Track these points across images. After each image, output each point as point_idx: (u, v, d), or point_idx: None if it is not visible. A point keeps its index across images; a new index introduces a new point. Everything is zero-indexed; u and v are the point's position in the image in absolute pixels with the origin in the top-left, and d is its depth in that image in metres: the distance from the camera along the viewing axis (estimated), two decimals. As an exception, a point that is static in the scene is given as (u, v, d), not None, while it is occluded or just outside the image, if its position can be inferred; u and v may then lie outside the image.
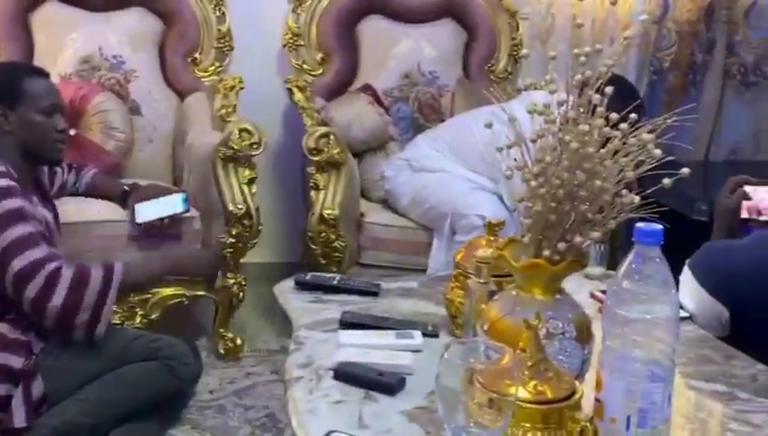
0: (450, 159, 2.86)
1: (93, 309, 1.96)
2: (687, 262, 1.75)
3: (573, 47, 3.37)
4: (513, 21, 3.46)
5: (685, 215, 2.84)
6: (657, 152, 1.20)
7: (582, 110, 1.24)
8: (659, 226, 1.08)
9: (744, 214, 1.93)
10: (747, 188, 1.91)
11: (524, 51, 3.38)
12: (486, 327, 1.30)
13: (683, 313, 1.74)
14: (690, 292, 1.73)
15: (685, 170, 1.18)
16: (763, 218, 1.90)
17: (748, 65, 3.70)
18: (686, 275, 1.73)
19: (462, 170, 2.83)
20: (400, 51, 3.35)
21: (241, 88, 3.13)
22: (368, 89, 3.20)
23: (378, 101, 3.20)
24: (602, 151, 1.23)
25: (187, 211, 2.64)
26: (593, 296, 1.87)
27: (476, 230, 2.54)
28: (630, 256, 1.10)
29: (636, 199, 1.22)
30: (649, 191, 1.23)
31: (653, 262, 1.08)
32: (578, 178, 1.22)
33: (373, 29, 3.36)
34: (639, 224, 1.10)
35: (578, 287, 1.93)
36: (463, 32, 3.44)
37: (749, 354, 1.60)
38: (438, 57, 3.37)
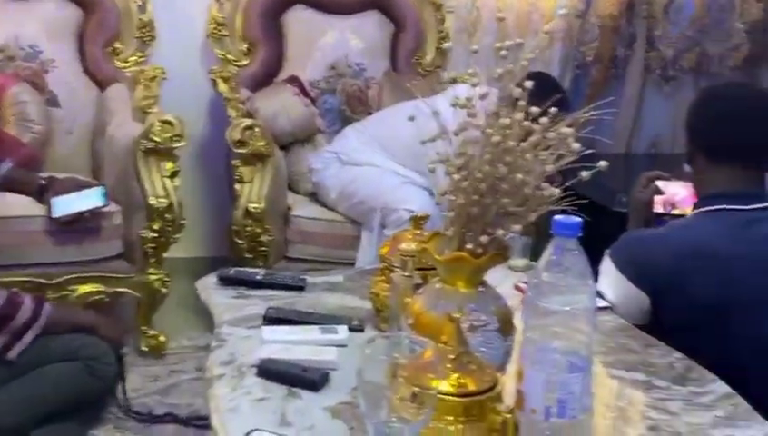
0: (379, 153, 2.86)
1: (14, 335, 1.96)
2: (607, 252, 1.78)
3: (498, 41, 3.40)
4: (439, 14, 3.46)
5: (606, 207, 2.90)
6: (576, 145, 1.21)
7: (504, 104, 1.25)
8: (577, 218, 1.09)
9: (658, 209, 1.98)
10: (659, 183, 1.96)
11: (447, 44, 3.39)
12: (410, 321, 1.30)
13: (602, 303, 1.78)
14: (611, 281, 1.76)
15: (603, 163, 1.20)
16: (676, 211, 1.95)
17: (667, 60, 3.78)
18: (607, 265, 1.76)
19: (391, 164, 2.83)
20: (326, 42, 3.32)
21: (164, 79, 3.07)
22: (294, 80, 3.17)
23: (304, 92, 3.17)
24: (523, 144, 1.24)
25: (106, 205, 2.57)
26: (517, 288, 1.89)
27: (405, 224, 2.54)
28: (549, 248, 1.11)
29: (556, 192, 1.23)
30: (569, 183, 1.24)
31: (571, 254, 1.09)
32: (500, 171, 1.22)
33: (299, 20, 3.32)
34: (557, 217, 1.10)
35: (503, 279, 1.94)
36: (390, 24, 3.43)
37: (666, 342, 1.64)
38: (364, 49, 3.36)
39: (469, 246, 1.25)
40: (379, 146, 2.87)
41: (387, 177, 2.80)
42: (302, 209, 2.88)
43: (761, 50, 3.86)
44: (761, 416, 1.37)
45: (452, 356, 1.13)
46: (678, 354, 1.58)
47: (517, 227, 1.22)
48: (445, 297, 1.27)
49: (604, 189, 2.93)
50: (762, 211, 1.67)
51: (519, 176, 1.21)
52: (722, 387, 1.46)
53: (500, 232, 1.23)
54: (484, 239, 1.24)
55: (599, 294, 1.79)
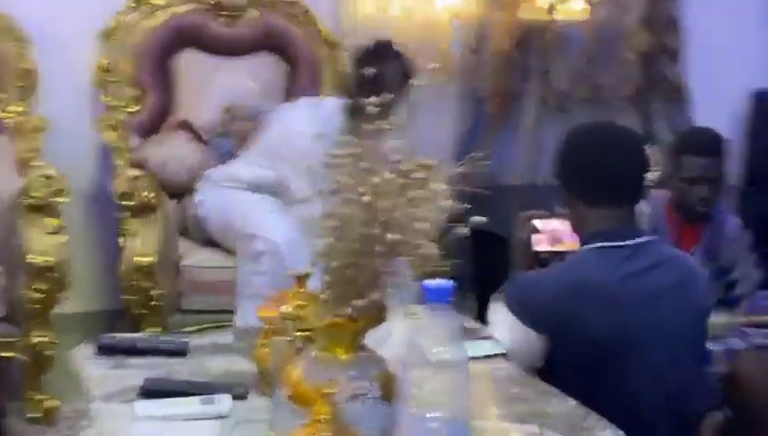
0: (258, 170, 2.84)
1: None
2: (494, 296, 1.78)
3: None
4: (335, 52, 3.43)
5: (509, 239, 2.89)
6: (448, 203, 1.18)
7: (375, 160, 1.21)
8: (448, 283, 1.05)
9: (545, 246, 1.98)
10: (536, 222, 1.97)
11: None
12: (289, 391, 1.23)
13: (495, 350, 1.75)
14: (505, 325, 1.75)
15: (478, 218, 1.17)
16: (561, 248, 1.95)
17: (562, 92, 3.83)
18: (499, 309, 1.75)
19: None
20: (219, 85, 3.24)
21: (47, 130, 2.93)
22: (184, 125, 3.08)
23: (197, 137, 3.08)
24: (397, 202, 1.20)
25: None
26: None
27: (260, 257, 2.53)
28: (419, 314, 1.06)
29: (434, 251, 1.19)
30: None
31: (444, 318, 1.05)
32: (374, 232, 1.17)
33: (189, 63, 3.24)
34: (427, 283, 1.06)
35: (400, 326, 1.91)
36: (284, 64, 3.38)
37: (563, 380, 1.62)
38: (259, 90, 3.29)
39: (346, 311, 1.20)
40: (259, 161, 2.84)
41: (257, 204, 2.75)
42: (193, 257, 2.79)
43: (651, 79, 3.94)
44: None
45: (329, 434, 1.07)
46: (573, 402, 1.56)
47: (388, 291, 1.17)
48: (324, 365, 1.21)
49: (507, 221, 2.93)
50: (636, 246, 1.71)
51: (390, 236, 1.16)
52: (617, 434, 1.44)
53: (376, 295, 1.19)
54: (360, 303, 1.19)
55: (492, 340, 1.78)
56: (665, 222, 2.88)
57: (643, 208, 2.87)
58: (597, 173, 1.73)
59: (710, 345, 2.65)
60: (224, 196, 2.78)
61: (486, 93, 3.66)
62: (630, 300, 1.66)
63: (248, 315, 2.39)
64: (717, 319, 2.86)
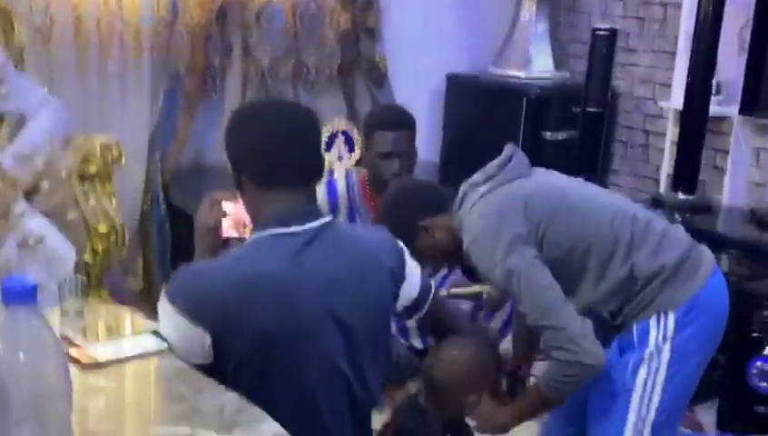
0: None
1: None
2: (164, 289, 1.63)
3: (78, 48, 3.10)
4: (8, 20, 3.09)
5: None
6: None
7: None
8: (31, 281, 0.91)
9: (230, 232, 1.86)
10: (226, 205, 1.83)
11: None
12: None
13: (160, 346, 1.63)
14: (169, 321, 1.61)
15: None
16: (243, 235, 1.84)
17: (265, 69, 3.75)
18: (164, 304, 1.60)
19: None
20: None
21: None
22: None
23: None
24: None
25: None
26: (64, 338, 1.66)
27: None
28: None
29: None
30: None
31: (29, 323, 0.90)
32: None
33: None
34: (6, 281, 0.91)
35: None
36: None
37: (233, 379, 1.53)
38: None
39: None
40: None
41: None
42: None
43: (353, 59, 3.98)
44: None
45: None
46: (232, 395, 1.47)
47: None
48: None
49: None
50: (314, 230, 1.62)
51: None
52: (270, 428, 1.37)
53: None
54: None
55: (160, 335, 1.65)
56: (364, 200, 2.91)
57: (320, 195, 2.89)
58: (266, 152, 1.62)
59: (408, 322, 2.73)
60: None
61: (182, 69, 3.48)
62: (303, 289, 1.57)
63: None
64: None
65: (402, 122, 2.81)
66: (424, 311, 1.81)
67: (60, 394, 0.92)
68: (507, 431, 2.05)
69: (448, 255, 2.09)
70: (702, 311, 1.96)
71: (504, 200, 1.97)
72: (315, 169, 1.69)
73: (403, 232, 1.89)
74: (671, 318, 1.94)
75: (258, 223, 1.65)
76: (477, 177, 2.03)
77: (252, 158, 1.64)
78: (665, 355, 1.93)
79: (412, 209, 2.07)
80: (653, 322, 1.94)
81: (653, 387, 1.94)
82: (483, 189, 2.00)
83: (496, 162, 2.05)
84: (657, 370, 1.94)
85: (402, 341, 2.87)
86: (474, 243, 1.94)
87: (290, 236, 1.60)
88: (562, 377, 1.90)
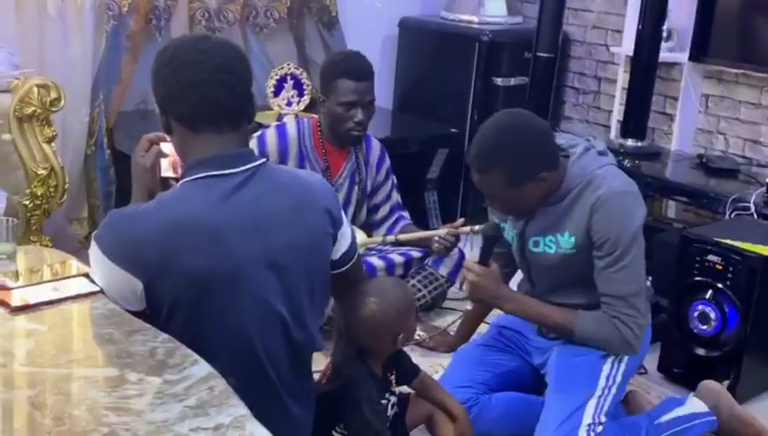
0: None
1: None
2: (93, 234, 1.59)
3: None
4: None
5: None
6: None
7: None
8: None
9: (168, 172, 1.81)
10: (163, 145, 1.78)
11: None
12: None
13: (91, 288, 1.59)
14: (99, 267, 1.58)
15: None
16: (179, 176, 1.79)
17: (212, 10, 3.66)
18: (94, 249, 1.57)
19: None
20: None
21: None
22: None
23: None
24: None
25: None
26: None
27: None
28: None
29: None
30: None
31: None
32: None
33: None
34: None
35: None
36: None
37: (168, 323, 1.51)
38: None
39: None
40: None
41: None
42: None
43: (303, 1, 3.90)
44: (238, 397, 1.29)
45: None
46: (164, 337, 1.45)
47: None
48: None
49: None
50: (246, 172, 1.58)
51: None
52: (201, 369, 1.35)
53: None
54: None
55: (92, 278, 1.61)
56: (315, 147, 2.87)
57: (270, 140, 2.84)
58: (191, 94, 1.56)
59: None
60: None
61: (125, 8, 3.37)
62: (236, 231, 1.54)
63: None
64: (357, 239, 2.94)
65: (366, 71, 2.78)
66: (346, 268, 1.78)
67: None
68: (490, 301, 2.22)
69: (536, 204, 2.10)
70: (645, 341, 2.18)
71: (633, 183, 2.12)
72: (244, 111, 1.63)
73: (520, 178, 1.99)
74: None
75: (188, 167, 1.61)
76: (597, 143, 2.16)
77: (177, 101, 1.58)
78: (625, 362, 2.14)
79: (540, 161, 2.03)
80: None
81: (613, 381, 2.10)
82: (606, 160, 2.12)
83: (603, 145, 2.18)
84: (619, 365, 2.13)
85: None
86: (617, 197, 2.04)
87: (220, 179, 1.56)
88: (606, 340, 2.09)
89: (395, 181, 3.09)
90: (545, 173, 2.02)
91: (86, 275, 1.65)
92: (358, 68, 2.77)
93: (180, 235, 1.51)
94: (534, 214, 2.14)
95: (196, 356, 1.39)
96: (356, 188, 2.98)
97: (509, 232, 2.24)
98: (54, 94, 2.70)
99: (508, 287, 2.26)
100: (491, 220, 2.30)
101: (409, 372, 2.03)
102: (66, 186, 2.79)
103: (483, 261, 2.19)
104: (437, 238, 2.87)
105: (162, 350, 1.41)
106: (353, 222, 3.01)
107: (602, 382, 2.09)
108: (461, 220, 2.90)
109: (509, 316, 2.26)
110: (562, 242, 2.12)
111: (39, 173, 2.70)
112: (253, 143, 2.77)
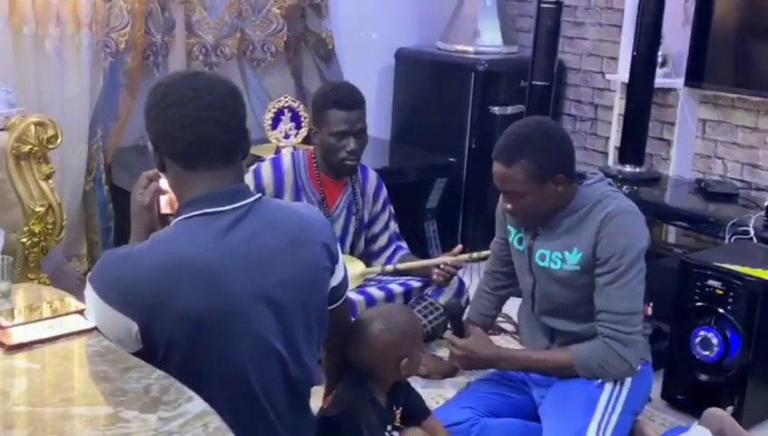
0: None
1: None
2: (88, 275, 1.57)
3: (14, 26, 3.00)
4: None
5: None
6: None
7: None
8: None
9: (165, 210, 1.80)
10: (162, 182, 1.77)
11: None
12: None
13: (86, 326, 1.58)
14: (94, 309, 1.56)
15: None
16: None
17: (209, 45, 3.69)
18: (89, 291, 1.55)
19: None
20: None
21: None
22: None
23: None
24: None
25: None
26: (-8, 325, 1.61)
27: None
28: None
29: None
30: None
31: None
32: None
33: None
34: None
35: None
36: None
37: (166, 364, 1.49)
38: None
39: None
40: None
41: None
42: None
43: (299, 35, 3.93)
44: (233, 433, 1.28)
45: None
46: (159, 374, 1.44)
47: None
48: None
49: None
50: (241, 209, 1.57)
51: None
52: (195, 406, 1.34)
53: None
54: None
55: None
56: (310, 178, 2.87)
57: (266, 173, 2.85)
58: (184, 133, 1.55)
59: (351, 295, 2.71)
60: None
61: (122, 45, 3.40)
62: (230, 269, 1.51)
63: None
64: (355, 270, 2.94)
65: (356, 100, 2.80)
66: (336, 305, 1.76)
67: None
68: (485, 366, 2.29)
69: (548, 212, 2.17)
70: (647, 377, 2.23)
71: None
72: (238, 146, 1.61)
73: (543, 174, 2.07)
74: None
75: (182, 205, 1.59)
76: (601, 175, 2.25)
77: (170, 139, 1.57)
78: (627, 386, 2.15)
79: (563, 162, 2.14)
80: None
81: (613, 409, 2.11)
82: (611, 189, 2.20)
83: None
84: (618, 395, 2.13)
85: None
86: (626, 215, 2.12)
87: (214, 216, 1.54)
88: (603, 361, 2.10)
89: (392, 210, 3.09)
90: (564, 176, 2.11)
91: (81, 312, 1.64)
92: (348, 98, 2.78)
93: (174, 275, 1.49)
94: (541, 226, 2.20)
95: (191, 393, 1.38)
96: (353, 219, 2.98)
97: (517, 239, 2.29)
98: (51, 132, 2.71)
99: (497, 346, 2.32)
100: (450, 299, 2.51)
101: (419, 412, 2.01)
102: (64, 223, 2.78)
103: (459, 333, 2.24)
104: (436, 268, 2.87)
105: (157, 387, 1.39)
106: (351, 252, 3.00)
107: (601, 408, 2.09)
108: (459, 247, 2.89)
109: None
110: (569, 259, 2.17)
111: (37, 210, 2.69)
112: (249, 177, 2.77)
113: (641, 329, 2.14)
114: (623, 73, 3.66)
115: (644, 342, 2.22)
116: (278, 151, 3.36)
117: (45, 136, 2.70)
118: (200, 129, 1.55)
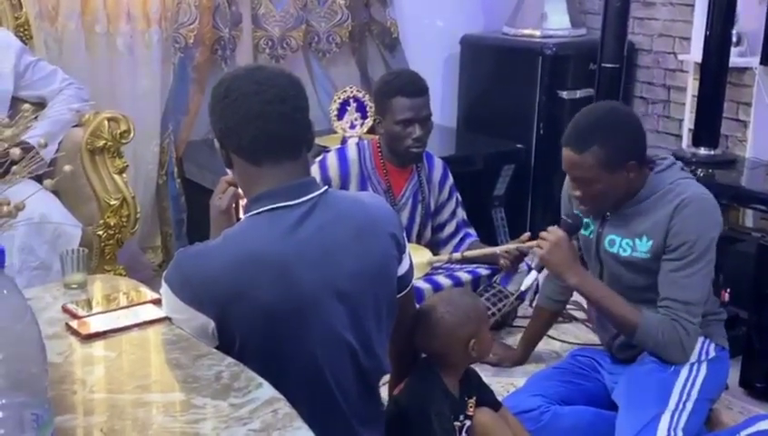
0: None
1: None
2: (164, 274, 1.60)
3: (87, 25, 3.07)
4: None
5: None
6: (16, 151, 1.01)
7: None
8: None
9: (243, 214, 1.82)
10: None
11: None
12: None
13: (160, 314, 1.62)
14: (172, 308, 1.58)
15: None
16: None
17: (275, 38, 3.72)
18: (165, 290, 1.58)
19: None
20: None
21: None
22: None
23: None
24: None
25: None
26: (65, 310, 1.67)
27: None
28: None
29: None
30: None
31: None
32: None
33: None
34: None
35: (53, 300, 1.73)
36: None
37: (244, 356, 1.50)
38: None
39: None
40: None
41: None
42: None
43: (364, 24, 3.93)
44: (301, 419, 1.29)
45: None
46: (229, 361, 1.46)
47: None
48: None
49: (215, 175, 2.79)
50: (309, 202, 1.57)
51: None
52: (266, 392, 1.36)
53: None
54: None
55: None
56: (376, 168, 2.88)
57: (332, 164, 2.86)
58: (248, 128, 1.55)
59: (418, 283, 2.71)
60: None
61: (191, 41, 3.45)
62: (301, 263, 1.52)
63: None
64: (423, 258, 2.93)
65: (420, 87, 2.79)
66: (402, 293, 1.74)
67: (31, 358, 0.91)
68: (560, 268, 2.18)
69: (618, 199, 2.13)
70: (724, 364, 2.20)
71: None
72: (303, 139, 1.62)
73: (614, 161, 2.03)
74: (712, 347, 2.16)
75: (251, 200, 1.60)
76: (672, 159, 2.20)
77: (235, 134, 1.57)
78: (702, 373, 2.10)
79: (635, 148, 2.10)
80: (699, 340, 2.14)
81: (688, 396, 2.06)
82: (689, 175, 2.16)
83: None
84: (694, 382, 2.09)
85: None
86: (701, 201, 2.08)
87: (283, 210, 1.55)
88: (664, 340, 2.07)
89: (459, 198, 3.07)
90: (635, 162, 2.07)
91: (155, 302, 1.68)
92: (411, 85, 2.78)
93: (247, 270, 1.50)
94: (611, 213, 2.16)
95: (260, 379, 1.39)
96: (419, 207, 2.97)
97: (588, 225, 2.25)
98: (123, 127, 2.78)
99: (581, 265, 2.25)
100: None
101: (490, 405, 1.99)
102: (138, 216, 2.85)
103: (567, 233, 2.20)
104: (503, 253, 2.84)
105: (228, 373, 1.42)
106: (418, 240, 3.00)
107: (675, 396, 2.04)
108: (527, 234, 2.85)
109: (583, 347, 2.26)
110: (639, 246, 2.12)
111: (111, 203, 2.76)
112: (315, 169, 2.79)
113: (700, 320, 2.10)
114: (696, 53, 3.56)
115: (720, 328, 2.16)
116: (344, 141, 3.37)
117: (118, 131, 2.77)
118: (264, 123, 1.55)
